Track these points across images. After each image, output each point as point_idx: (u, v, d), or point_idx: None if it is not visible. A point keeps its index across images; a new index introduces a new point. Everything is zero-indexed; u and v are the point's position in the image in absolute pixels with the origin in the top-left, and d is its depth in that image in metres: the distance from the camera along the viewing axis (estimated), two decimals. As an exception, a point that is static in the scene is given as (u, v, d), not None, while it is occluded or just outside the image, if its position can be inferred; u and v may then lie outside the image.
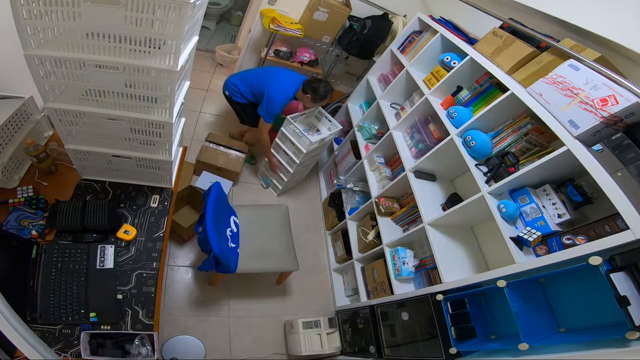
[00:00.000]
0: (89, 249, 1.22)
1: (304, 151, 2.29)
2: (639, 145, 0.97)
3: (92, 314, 1.10)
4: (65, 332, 1.07)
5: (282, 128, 2.43)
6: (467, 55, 1.75)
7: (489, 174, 1.45)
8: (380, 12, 2.80)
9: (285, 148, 2.47)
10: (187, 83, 1.29)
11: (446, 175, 2.02)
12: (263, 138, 2.47)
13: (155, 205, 1.46)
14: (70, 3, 0.81)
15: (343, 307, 2.19)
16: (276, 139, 2.54)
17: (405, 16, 2.80)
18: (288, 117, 2.39)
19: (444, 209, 1.78)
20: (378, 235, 2.09)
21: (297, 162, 2.39)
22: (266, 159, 2.66)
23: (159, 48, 0.95)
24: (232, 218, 1.85)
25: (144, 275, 1.26)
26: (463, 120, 1.66)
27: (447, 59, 1.94)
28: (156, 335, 1.10)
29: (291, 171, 2.49)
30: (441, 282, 1.51)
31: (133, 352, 1.07)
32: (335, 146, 2.97)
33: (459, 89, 1.85)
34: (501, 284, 1.17)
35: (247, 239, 1.83)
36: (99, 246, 1.24)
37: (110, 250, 1.24)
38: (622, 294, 0.87)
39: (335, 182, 2.81)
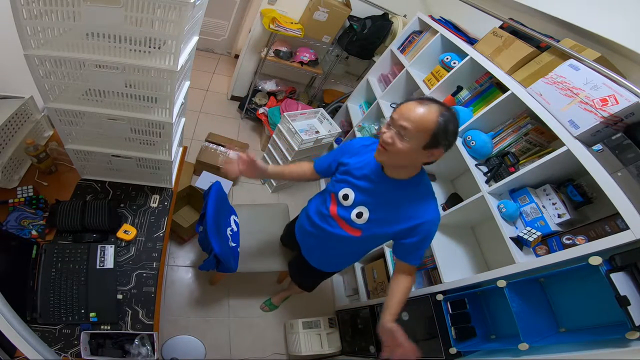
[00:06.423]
0: (89, 249, 1.22)
1: (296, 149, 2.33)
2: (639, 145, 0.97)
3: (92, 314, 1.10)
4: (65, 332, 1.06)
5: (279, 124, 2.44)
6: (467, 55, 1.75)
7: (489, 174, 1.45)
8: (380, 12, 2.79)
9: (280, 144, 2.51)
10: (187, 83, 1.29)
11: (446, 175, 2.02)
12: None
13: (155, 205, 1.46)
14: (70, 3, 0.81)
15: (343, 307, 2.18)
16: (273, 135, 2.56)
17: (405, 16, 2.80)
18: (285, 114, 2.39)
19: (444, 209, 1.78)
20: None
21: (289, 159, 2.43)
22: (265, 154, 2.71)
23: (159, 48, 0.95)
24: (233, 217, 1.85)
25: (144, 275, 1.25)
26: (463, 120, 1.66)
27: (447, 59, 1.94)
28: (156, 335, 1.10)
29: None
30: (441, 282, 1.50)
31: (133, 352, 1.06)
32: (336, 146, 2.97)
33: (459, 89, 1.85)
34: (501, 284, 1.17)
35: (247, 238, 1.83)
36: (99, 246, 1.24)
37: (110, 250, 1.24)
38: (622, 294, 0.87)
39: (335, 182, 2.81)
